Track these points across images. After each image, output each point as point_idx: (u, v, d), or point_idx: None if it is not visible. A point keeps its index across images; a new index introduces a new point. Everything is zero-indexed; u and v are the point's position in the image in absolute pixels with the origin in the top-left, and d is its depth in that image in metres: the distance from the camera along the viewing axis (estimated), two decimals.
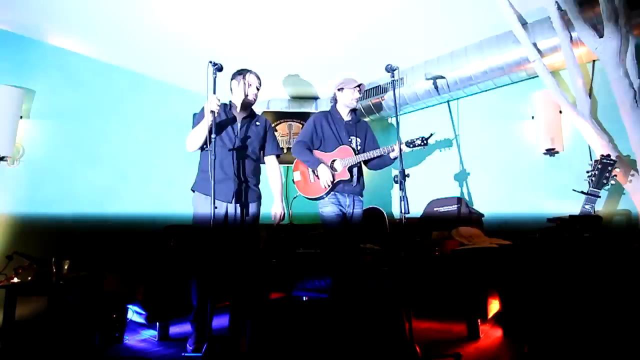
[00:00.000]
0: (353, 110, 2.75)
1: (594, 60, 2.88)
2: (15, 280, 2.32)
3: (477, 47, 3.26)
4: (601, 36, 2.40)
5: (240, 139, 2.44)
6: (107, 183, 3.44)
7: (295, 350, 1.82)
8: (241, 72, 2.48)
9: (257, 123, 2.55)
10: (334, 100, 2.76)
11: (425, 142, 2.54)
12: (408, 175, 2.02)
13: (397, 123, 2.23)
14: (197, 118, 2.42)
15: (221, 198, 2.30)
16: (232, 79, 2.51)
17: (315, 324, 1.86)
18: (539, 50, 2.81)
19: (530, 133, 3.25)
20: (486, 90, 3.47)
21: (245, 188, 2.41)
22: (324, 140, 2.66)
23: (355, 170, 2.63)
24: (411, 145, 2.57)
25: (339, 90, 2.70)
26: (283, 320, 1.87)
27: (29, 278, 2.34)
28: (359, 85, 2.65)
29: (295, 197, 2.56)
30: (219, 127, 2.35)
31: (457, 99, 3.67)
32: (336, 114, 2.72)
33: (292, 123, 4.49)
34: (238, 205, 2.37)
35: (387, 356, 1.85)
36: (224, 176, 2.33)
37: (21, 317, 2.31)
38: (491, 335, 2.36)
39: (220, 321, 2.74)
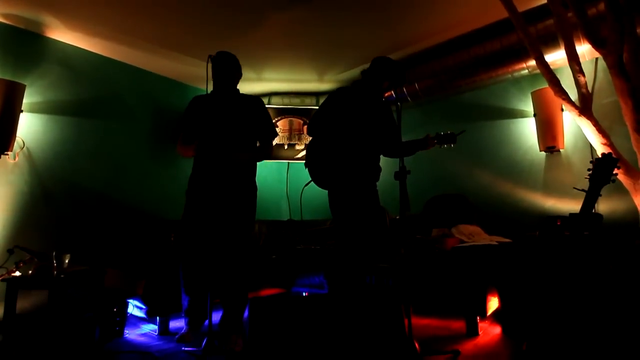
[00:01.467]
0: None
1: (596, 58, 2.87)
2: (16, 273, 2.32)
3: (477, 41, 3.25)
4: (604, 34, 2.38)
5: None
6: (107, 177, 3.44)
7: (295, 346, 1.82)
8: None
9: None
10: None
11: (454, 138, 2.42)
12: (409, 172, 2.01)
13: (399, 120, 2.20)
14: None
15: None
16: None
17: (314, 320, 1.87)
18: (541, 47, 2.79)
19: (531, 130, 3.24)
20: (487, 87, 3.46)
21: None
22: None
23: None
24: (440, 141, 2.43)
25: None
26: (282, 316, 1.87)
27: (30, 272, 2.34)
28: None
29: (307, 185, 2.43)
30: None
31: (459, 94, 3.66)
32: None
33: (292, 119, 4.48)
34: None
35: (386, 352, 1.86)
36: None
37: (22, 311, 2.32)
38: (490, 332, 2.37)
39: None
